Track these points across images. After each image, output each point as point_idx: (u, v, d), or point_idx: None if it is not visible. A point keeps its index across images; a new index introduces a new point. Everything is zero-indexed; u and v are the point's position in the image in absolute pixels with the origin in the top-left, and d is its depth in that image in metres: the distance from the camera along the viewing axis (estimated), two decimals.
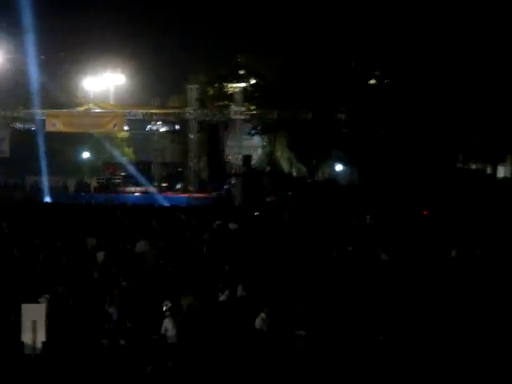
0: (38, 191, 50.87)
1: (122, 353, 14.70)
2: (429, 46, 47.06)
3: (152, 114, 48.95)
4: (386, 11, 49.06)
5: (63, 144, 56.63)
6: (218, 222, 30.98)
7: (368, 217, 33.96)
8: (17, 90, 56.46)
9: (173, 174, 55.73)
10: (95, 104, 51.99)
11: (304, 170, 64.26)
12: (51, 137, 51.90)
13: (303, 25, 51.83)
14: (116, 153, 60.97)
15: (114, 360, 14.34)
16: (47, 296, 16.97)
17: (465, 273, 21.70)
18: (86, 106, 50.99)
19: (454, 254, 24.55)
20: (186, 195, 48.45)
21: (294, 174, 66.75)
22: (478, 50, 46.02)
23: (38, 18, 53.77)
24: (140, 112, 48.87)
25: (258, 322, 16.51)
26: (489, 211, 35.64)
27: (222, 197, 49.25)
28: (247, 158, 49.56)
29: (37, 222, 31.01)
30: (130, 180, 54.00)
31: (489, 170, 54.81)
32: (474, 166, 57.06)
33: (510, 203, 37.18)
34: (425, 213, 36.82)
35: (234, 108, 46.82)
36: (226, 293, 18.92)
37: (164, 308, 17.03)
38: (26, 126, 52.48)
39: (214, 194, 50.34)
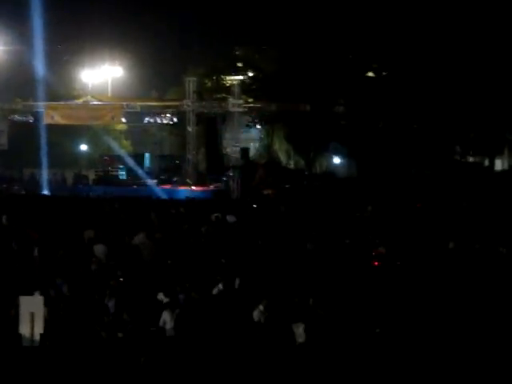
0: (36, 184, 50.82)
1: (120, 345, 14.74)
2: (426, 39, 47.03)
3: (150, 106, 48.87)
4: (384, 3, 49.03)
5: (61, 136, 56.50)
6: (216, 215, 30.97)
7: (369, 208, 33.97)
8: (14, 83, 56.40)
9: (171, 167, 55.69)
10: (93, 96, 51.86)
11: (302, 162, 64.26)
12: (49, 129, 51.80)
13: (301, 17, 51.74)
14: (114, 145, 60.90)
15: (112, 352, 14.38)
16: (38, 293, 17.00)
17: (462, 265, 21.73)
18: (84, 99, 50.87)
19: (451, 246, 24.57)
20: (183, 188, 48.41)
21: (292, 166, 66.75)
22: (475, 43, 46.00)
23: (36, 9, 53.67)
24: (138, 104, 48.78)
25: (256, 315, 16.54)
26: (486, 204, 35.66)
27: (220, 189, 49.22)
28: (245, 151, 49.51)
29: (35, 214, 30.98)
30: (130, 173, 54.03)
31: (486, 163, 54.81)
32: (471, 159, 57.08)
33: (508, 196, 37.19)
34: (418, 205, 36.77)
35: (231, 100, 46.75)
36: (224, 285, 18.95)
37: (163, 300, 17.10)
38: (24, 119, 52.37)
39: (212, 186, 50.29)
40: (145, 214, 31.77)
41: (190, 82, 46.59)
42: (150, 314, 16.57)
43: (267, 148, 66.43)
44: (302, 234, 26.97)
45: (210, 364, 14.16)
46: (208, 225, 28.80)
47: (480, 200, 36.74)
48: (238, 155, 48.87)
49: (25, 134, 54.15)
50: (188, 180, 48.52)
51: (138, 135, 69.08)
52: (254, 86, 56.82)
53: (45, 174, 51.22)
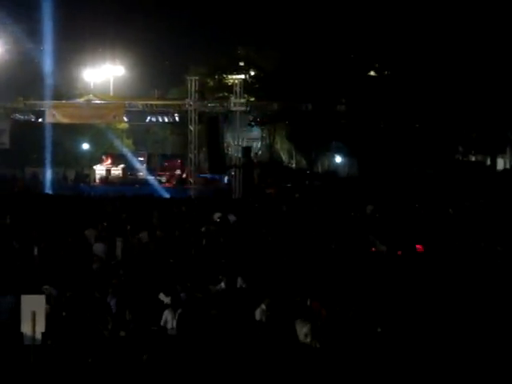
0: (38, 182, 50.85)
1: (123, 344, 14.75)
2: (428, 38, 47.01)
3: (152, 105, 48.85)
4: (386, 3, 49.02)
5: (63, 135, 56.49)
6: (218, 214, 30.97)
7: (369, 207, 33.94)
8: (16, 81, 56.40)
9: (173, 166, 55.85)
10: (95, 95, 51.82)
11: (304, 161, 64.31)
12: (51, 128, 51.82)
13: (303, 16, 51.75)
14: (116, 144, 60.96)
15: (115, 351, 14.38)
16: (47, 287, 17.04)
17: (464, 264, 21.73)
18: (86, 97, 50.83)
19: (456, 244, 24.57)
20: (185, 187, 48.48)
21: (294, 165, 66.83)
22: (476, 42, 45.98)
23: (38, 9, 53.71)
24: (140, 103, 48.75)
25: (258, 314, 16.54)
26: (488, 203, 35.64)
27: (222, 188, 49.26)
28: (247, 150, 49.53)
29: (36, 213, 30.98)
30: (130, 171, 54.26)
31: (488, 162, 54.85)
32: (473, 158, 57.12)
33: (509, 195, 37.17)
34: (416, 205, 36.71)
35: (233, 99, 46.69)
36: (226, 284, 18.95)
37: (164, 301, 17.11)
38: (26, 118, 52.36)
39: (213, 185, 50.36)
40: (147, 212, 31.77)
41: (192, 81, 46.54)
42: (151, 313, 16.57)
43: (269, 147, 66.55)
44: (305, 233, 26.99)
45: (212, 363, 14.16)
46: (209, 224, 28.81)
47: (482, 199, 36.73)
48: (239, 154, 48.86)
49: (27, 133, 54.19)
50: (190, 179, 48.44)
51: (140, 134, 69.15)
52: (256, 85, 56.88)
53: (47, 173, 51.28)
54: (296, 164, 67.75)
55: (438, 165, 48.21)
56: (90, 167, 57.85)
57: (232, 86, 48.80)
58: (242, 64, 60.82)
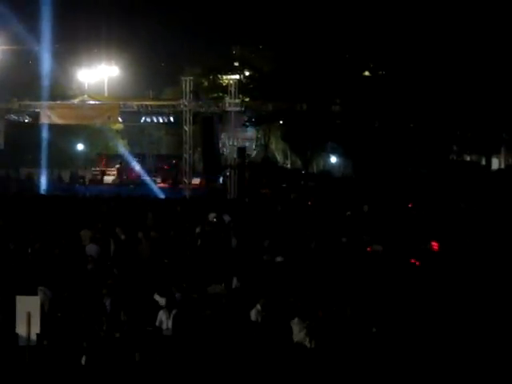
0: (33, 183, 50.79)
1: (117, 344, 14.73)
2: (422, 38, 47.07)
3: (146, 105, 48.79)
4: (381, 3, 49.08)
5: (57, 136, 56.40)
6: (213, 215, 30.96)
7: (365, 206, 33.98)
8: (11, 82, 56.31)
9: (167, 166, 55.85)
10: (90, 96, 51.76)
11: (299, 162, 64.35)
12: (45, 129, 51.74)
13: (297, 17, 51.80)
14: (111, 144, 60.95)
15: (109, 352, 14.37)
16: (42, 288, 17.02)
17: (456, 264, 21.75)
18: (81, 98, 50.76)
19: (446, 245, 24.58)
20: (180, 187, 48.45)
21: (289, 165, 66.87)
22: (471, 42, 46.05)
23: (32, 9, 53.67)
24: (134, 104, 48.69)
25: (253, 314, 16.53)
26: (483, 203, 35.69)
27: (217, 188, 49.26)
28: (242, 150, 49.50)
29: (32, 214, 30.94)
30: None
31: (483, 162, 54.92)
32: (468, 158, 57.19)
33: (504, 195, 37.23)
34: (410, 205, 36.74)
35: (228, 100, 46.65)
36: (222, 284, 18.95)
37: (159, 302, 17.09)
38: (21, 118, 52.27)
39: (208, 185, 50.37)
40: (141, 213, 31.74)
41: (187, 82, 46.48)
42: (146, 314, 16.55)
43: (264, 147, 66.57)
44: (299, 233, 27.00)
45: (207, 364, 14.16)
46: (204, 224, 28.78)
47: (477, 199, 36.76)
48: (234, 155, 48.84)
49: (21, 134, 54.07)
50: (184, 179, 48.43)
51: (135, 135, 69.10)
52: (250, 86, 56.93)
53: (41, 174, 51.22)
54: (291, 164, 67.79)
55: (432, 164, 48.26)
56: (85, 168, 57.80)
57: (227, 86, 48.81)
58: (236, 64, 60.88)
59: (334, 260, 22.20)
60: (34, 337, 13.60)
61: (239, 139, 55.40)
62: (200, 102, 48.24)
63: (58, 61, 62.44)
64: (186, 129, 46.62)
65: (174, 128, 55.29)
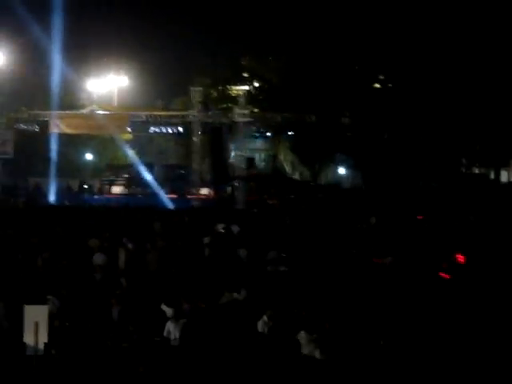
0: (41, 193, 50.84)
1: (125, 355, 14.70)
2: (433, 51, 47.05)
3: (155, 116, 48.87)
4: (391, 16, 49.08)
5: (66, 145, 56.48)
6: (221, 225, 30.93)
7: (373, 218, 33.89)
8: (20, 92, 56.45)
9: (176, 177, 55.76)
10: (99, 106, 51.94)
11: (307, 173, 64.25)
12: (54, 138, 51.85)
13: (307, 28, 51.84)
14: (120, 154, 60.95)
15: (117, 362, 14.34)
16: (50, 297, 17.01)
17: (466, 277, 21.67)
18: (90, 108, 50.93)
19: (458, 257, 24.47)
20: (189, 197, 48.45)
21: (297, 177, 66.76)
22: (481, 55, 46.00)
23: (42, 19, 53.79)
24: (143, 114, 48.81)
25: (260, 325, 16.49)
26: (492, 215, 35.57)
27: (225, 199, 49.24)
28: (250, 161, 49.58)
29: (40, 224, 30.96)
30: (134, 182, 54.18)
31: (492, 175, 54.77)
32: (477, 171, 57.05)
33: None
34: (419, 217, 36.62)
35: (237, 110, 46.76)
36: (229, 295, 18.90)
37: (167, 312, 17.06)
38: (30, 128, 52.39)
39: (217, 196, 50.36)
40: (149, 223, 31.72)
41: (196, 92, 46.63)
42: (154, 324, 16.53)
43: (272, 158, 66.51)
44: (307, 244, 26.95)
45: (214, 374, 14.11)
46: (212, 235, 28.74)
47: (486, 212, 36.64)
48: (243, 165, 48.87)
49: (30, 143, 54.17)
50: (193, 189, 48.44)
51: (144, 145, 69.08)
52: (259, 96, 56.92)
53: (50, 183, 51.24)
54: (299, 175, 67.72)
55: (442, 177, 48.16)
56: (94, 178, 57.83)
57: (236, 96, 48.86)
58: (246, 75, 60.90)
59: (341, 272, 22.16)
60: (41, 346, 13.58)
61: (248, 150, 55.42)
62: (209, 113, 48.36)
63: (68, 70, 62.65)
64: (195, 139, 46.71)
65: (183, 138, 55.36)
